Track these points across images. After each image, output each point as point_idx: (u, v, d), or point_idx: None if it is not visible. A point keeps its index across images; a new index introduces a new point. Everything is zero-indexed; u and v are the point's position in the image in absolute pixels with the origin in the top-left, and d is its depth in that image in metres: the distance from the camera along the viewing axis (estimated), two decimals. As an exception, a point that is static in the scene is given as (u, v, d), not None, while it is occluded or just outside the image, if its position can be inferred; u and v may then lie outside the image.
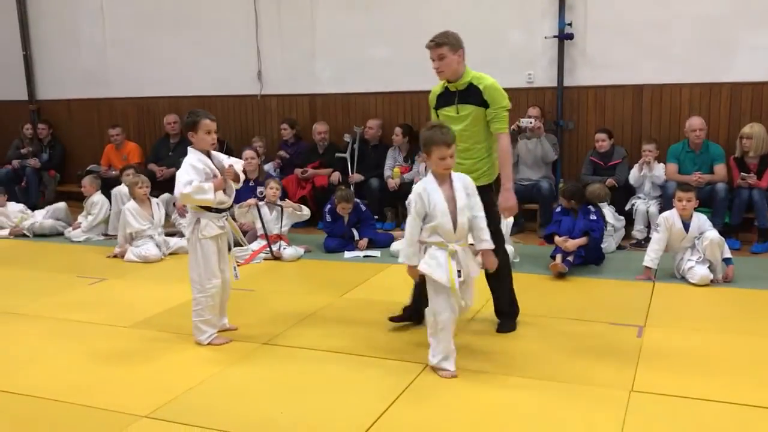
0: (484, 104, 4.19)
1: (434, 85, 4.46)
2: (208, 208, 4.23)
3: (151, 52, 9.45)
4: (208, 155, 4.33)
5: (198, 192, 4.11)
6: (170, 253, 6.78)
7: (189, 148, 4.31)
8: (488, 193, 4.26)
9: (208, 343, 4.31)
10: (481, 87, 4.19)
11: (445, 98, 4.32)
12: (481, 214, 3.80)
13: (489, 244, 3.81)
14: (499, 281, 4.48)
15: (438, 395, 3.61)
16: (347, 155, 8.01)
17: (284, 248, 6.58)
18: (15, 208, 8.23)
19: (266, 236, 6.64)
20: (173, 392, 3.65)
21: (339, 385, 3.75)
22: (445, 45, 4.14)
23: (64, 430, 3.32)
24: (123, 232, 6.78)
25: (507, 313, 4.56)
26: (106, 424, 3.34)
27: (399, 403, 3.50)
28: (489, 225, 4.22)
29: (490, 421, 3.31)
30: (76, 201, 8.82)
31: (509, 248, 6.13)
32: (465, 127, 4.23)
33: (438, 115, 4.39)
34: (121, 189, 7.61)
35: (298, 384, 3.78)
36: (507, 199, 4.32)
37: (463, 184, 3.77)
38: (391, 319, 4.53)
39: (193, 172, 4.16)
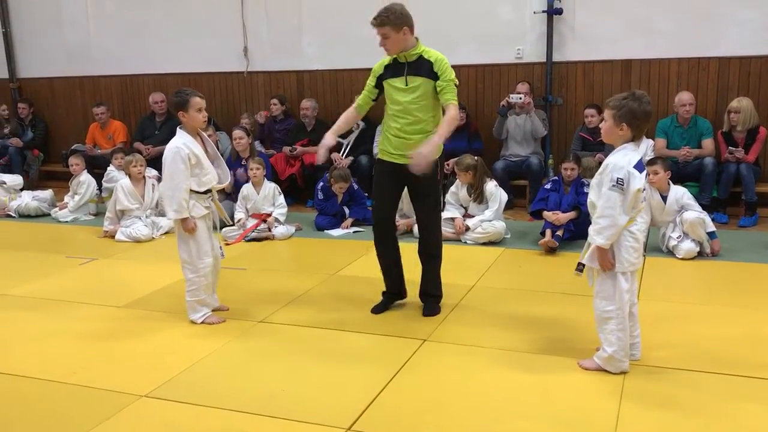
0: (434, 76, 4.08)
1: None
2: (195, 190, 4.20)
3: (135, 28, 9.30)
4: (197, 135, 4.28)
5: (180, 211, 4.13)
6: (164, 233, 6.73)
7: (178, 130, 4.25)
8: (434, 168, 4.21)
9: (202, 322, 4.30)
10: (432, 59, 4.10)
11: (393, 70, 4.18)
12: None
13: None
14: (433, 262, 4.43)
15: (437, 370, 3.64)
16: (345, 141, 7.87)
17: (276, 227, 6.56)
18: (12, 182, 8.14)
19: (264, 218, 6.61)
20: (172, 371, 3.65)
21: (338, 362, 3.77)
22: (387, 25, 4.00)
23: (63, 411, 3.31)
24: (113, 207, 6.74)
25: (434, 296, 4.46)
26: (106, 403, 3.33)
27: (399, 379, 3.52)
28: (430, 199, 4.28)
29: (488, 394, 3.34)
30: (61, 181, 8.75)
31: (500, 224, 6.19)
32: (413, 99, 4.12)
33: (381, 86, 4.24)
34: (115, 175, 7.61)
35: (298, 361, 3.79)
36: (430, 152, 3.97)
37: None
38: (374, 311, 4.45)
39: (181, 173, 4.09)
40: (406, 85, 4.12)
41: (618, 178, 3.32)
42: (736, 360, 3.65)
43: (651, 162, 5.84)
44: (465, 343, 3.95)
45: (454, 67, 4.24)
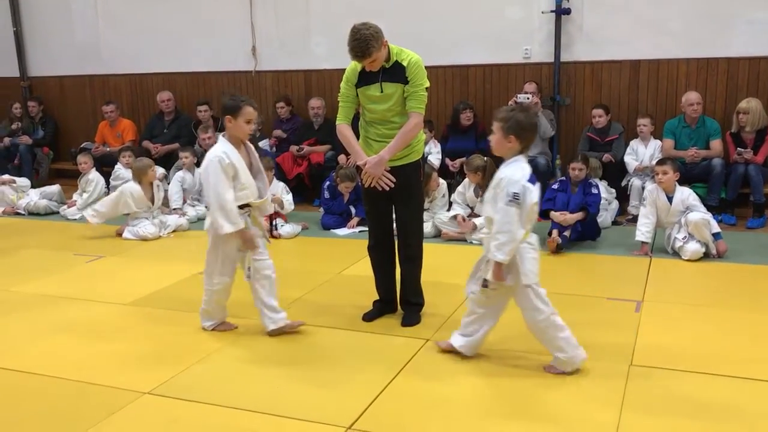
0: (405, 81, 3.97)
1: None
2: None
3: (144, 27, 9.34)
4: (241, 145, 4.02)
5: (236, 222, 3.86)
6: (172, 231, 6.78)
7: (221, 137, 3.99)
8: (417, 170, 4.13)
9: (213, 329, 4.20)
10: (405, 63, 3.96)
11: (367, 76, 4.01)
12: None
13: None
14: (412, 266, 4.29)
15: (439, 370, 3.64)
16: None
17: (282, 225, 6.58)
18: (21, 183, 8.24)
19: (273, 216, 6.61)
20: (175, 369, 3.67)
21: (340, 361, 3.78)
22: (374, 52, 3.85)
23: (66, 407, 3.34)
24: (116, 209, 6.74)
25: (413, 304, 4.33)
26: (109, 400, 3.35)
27: (400, 378, 3.53)
28: (412, 201, 4.17)
29: (489, 395, 3.35)
30: (70, 179, 8.81)
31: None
32: (390, 107, 4.00)
33: (357, 94, 4.08)
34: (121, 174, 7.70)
35: (300, 359, 3.81)
36: (377, 164, 3.98)
37: None
38: (365, 319, 4.34)
39: (223, 183, 3.82)
40: (381, 92, 4.00)
41: (514, 193, 3.33)
42: (742, 362, 3.63)
43: (661, 162, 5.82)
44: (468, 343, 3.94)
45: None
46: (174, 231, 6.76)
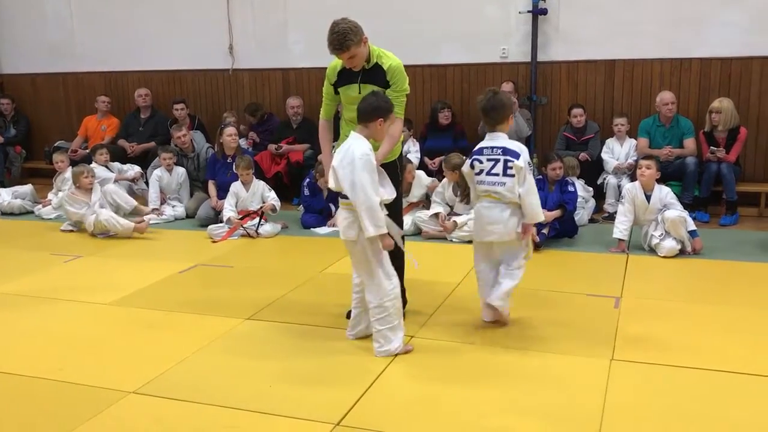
0: (386, 85, 3.97)
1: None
2: None
3: (119, 24, 9.25)
4: None
5: (382, 226, 3.63)
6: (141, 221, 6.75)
7: (357, 134, 3.73)
8: (395, 171, 4.08)
9: (399, 353, 3.77)
10: (385, 67, 3.97)
11: (347, 76, 4.04)
12: None
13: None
14: (396, 269, 4.13)
15: (424, 365, 3.67)
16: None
17: (262, 224, 6.56)
18: None
19: (258, 213, 6.61)
20: (160, 368, 3.65)
21: (325, 359, 3.78)
22: (351, 46, 3.84)
23: (51, 408, 3.30)
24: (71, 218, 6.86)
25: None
26: (94, 400, 3.33)
27: (387, 374, 3.55)
28: (393, 201, 3.96)
29: (475, 389, 3.38)
30: (43, 178, 8.70)
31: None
32: None
33: (337, 92, 4.13)
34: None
35: (286, 357, 3.81)
36: None
37: None
38: (349, 317, 4.25)
39: (375, 183, 3.61)
40: (360, 93, 3.99)
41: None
42: (716, 355, 3.71)
43: (646, 157, 5.93)
44: (451, 340, 3.98)
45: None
46: (142, 222, 6.73)
